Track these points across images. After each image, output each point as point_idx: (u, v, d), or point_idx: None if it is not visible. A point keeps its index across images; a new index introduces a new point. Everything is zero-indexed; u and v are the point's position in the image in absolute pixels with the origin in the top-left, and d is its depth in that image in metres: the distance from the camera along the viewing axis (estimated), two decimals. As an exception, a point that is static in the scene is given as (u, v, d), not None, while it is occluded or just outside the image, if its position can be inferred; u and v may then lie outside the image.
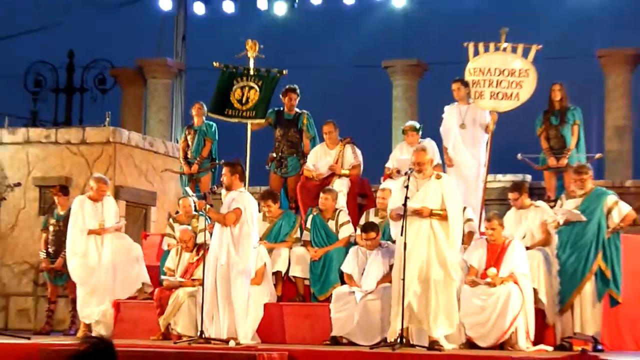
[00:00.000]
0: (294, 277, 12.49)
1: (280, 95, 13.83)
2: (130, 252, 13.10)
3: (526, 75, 12.99)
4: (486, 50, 13.14)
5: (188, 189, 13.67)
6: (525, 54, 13.04)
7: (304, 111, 13.92)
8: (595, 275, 11.05)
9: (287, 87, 13.85)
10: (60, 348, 10.63)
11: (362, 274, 11.67)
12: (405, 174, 10.83)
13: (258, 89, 13.43)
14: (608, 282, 11.06)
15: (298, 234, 12.64)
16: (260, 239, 12.27)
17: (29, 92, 19.38)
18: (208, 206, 11.15)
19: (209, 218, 11.24)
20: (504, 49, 13.08)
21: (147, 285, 13.01)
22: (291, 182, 13.78)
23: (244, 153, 13.24)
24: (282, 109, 13.89)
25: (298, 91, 13.87)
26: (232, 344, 10.78)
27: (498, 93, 13.01)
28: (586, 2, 20.51)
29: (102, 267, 12.86)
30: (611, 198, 11.25)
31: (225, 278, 10.98)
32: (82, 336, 4.19)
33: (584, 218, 11.08)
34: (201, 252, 11.76)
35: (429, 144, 12.71)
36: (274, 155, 13.89)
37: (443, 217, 10.49)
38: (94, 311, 12.85)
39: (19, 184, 14.69)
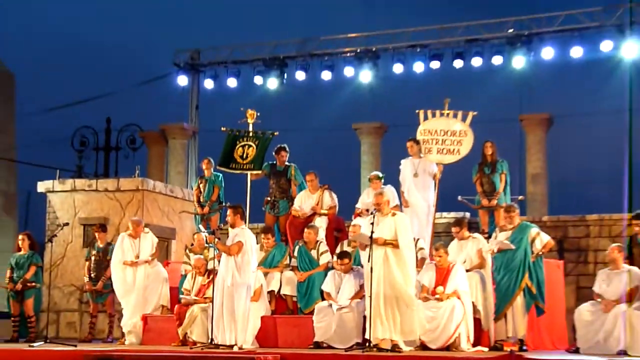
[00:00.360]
0: (284, 295, 12.45)
1: (274, 153, 13.85)
2: (159, 276, 13.08)
3: (465, 135, 13.03)
4: (433, 115, 13.17)
5: (201, 226, 13.66)
6: (463, 119, 13.09)
7: (292, 164, 13.93)
8: (523, 291, 11.06)
9: (279, 146, 13.88)
10: (101, 353, 10.57)
11: (338, 292, 11.65)
12: (371, 213, 10.84)
13: (255, 147, 13.47)
14: (534, 296, 11.07)
15: (288, 261, 12.63)
16: (258, 265, 12.27)
17: (75, 150, 19.33)
18: (216, 240, 11.15)
19: (217, 249, 11.23)
20: (447, 115, 13.11)
21: (165, 307, 12.97)
22: (282, 220, 13.74)
23: (244, 198, 13.25)
24: (275, 162, 13.90)
25: (287, 149, 13.90)
26: (235, 348, 10.74)
27: (443, 149, 13.03)
28: (509, 77, 20.62)
29: (135, 289, 12.86)
30: (534, 230, 11.29)
31: (230, 296, 10.94)
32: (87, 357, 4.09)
33: (513, 247, 11.10)
34: (211, 276, 11.73)
35: (389, 189, 12.68)
36: (269, 199, 13.89)
37: (395, 246, 10.42)
38: (127, 323, 12.82)
39: (67, 224, 14.65)
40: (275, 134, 13.62)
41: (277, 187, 13.83)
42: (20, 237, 13.95)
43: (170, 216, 16.77)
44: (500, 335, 11.12)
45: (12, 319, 13.70)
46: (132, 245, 13.06)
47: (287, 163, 13.90)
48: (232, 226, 11.27)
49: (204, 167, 14.47)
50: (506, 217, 11.41)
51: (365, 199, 13.15)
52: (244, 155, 13.47)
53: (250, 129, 13.52)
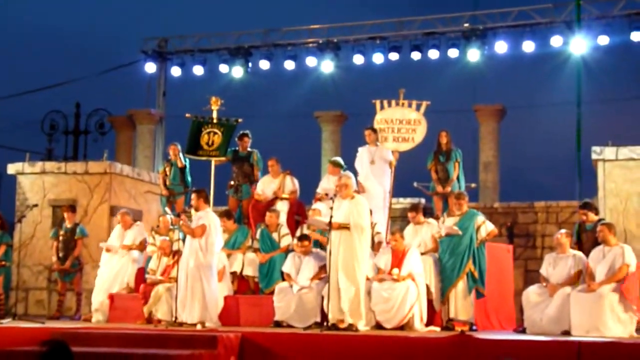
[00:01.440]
0: (246, 275, 12.45)
1: (236, 139, 13.81)
2: (130, 258, 13.03)
3: (419, 123, 13.07)
4: (389, 105, 13.22)
5: (167, 209, 13.61)
6: (417, 108, 13.14)
7: (254, 150, 13.90)
8: (467, 275, 11.17)
9: (242, 132, 13.84)
10: (68, 330, 10.51)
11: (298, 273, 11.68)
12: (331, 198, 10.85)
13: (220, 134, 13.41)
14: (476, 281, 11.20)
15: (250, 243, 12.60)
16: (222, 247, 12.26)
17: (45, 134, 19.12)
18: (181, 222, 11.13)
19: (183, 231, 11.19)
20: (402, 104, 13.15)
21: (129, 286, 12.96)
22: (245, 203, 13.71)
23: (208, 182, 13.22)
24: (237, 148, 13.87)
25: (250, 135, 13.88)
26: (199, 327, 10.74)
27: (399, 137, 13.06)
28: (464, 70, 20.77)
29: (106, 269, 12.96)
30: (480, 218, 11.39)
31: (194, 276, 10.93)
32: (43, 341, 4.08)
33: (460, 232, 11.20)
34: (176, 257, 11.70)
35: (349, 174, 12.72)
36: (232, 183, 13.86)
37: (348, 229, 10.40)
38: (94, 301, 12.80)
39: (36, 205, 14.51)
40: (240, 120, 13.58)
41: (240, 172, 13.79)
42: (-10, 217, 13.80)
43: (137, 199, 16.69)
44: (448, 316, 11.22)
45: (-18, 296, 13.58)
46: (119, 234, 13.23)
47: (249, 149, 13.85)
48: (197, 209, 11.25)
49: (170, 152, 14.39)
50: (455, 204, 11.50)
51: (325, 184, 13.15)
52: (210, 142, 13.40)
53: (215, 115, 13.48)
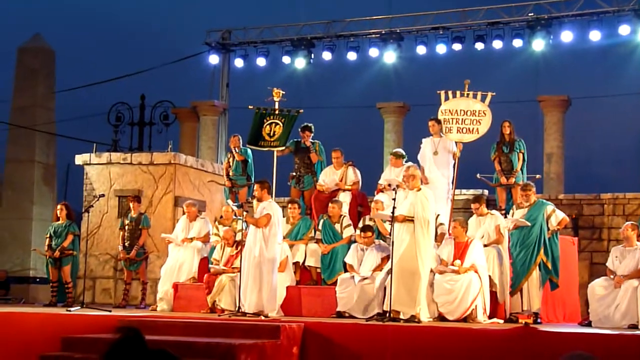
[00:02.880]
0: (309, 266, 12.48)
1: (299, 130, 13.83)
2: (195, 248, 13.17)
3: (484, 115, 12.97)
4: (454, 96, 13.12)
5: (229, 200, 13.71)
6: (483, 99, 13.03)
7: (316, 141, 13.90)
8: (539, 266, 11.04)
9: (304, 125, 13.80)
10: (134, 318, 10.68)
11: (360, 264, 11.68)
12: (394, 189, 10.81)
13: (282, 125, 13.44)
14: (549, 271, 11.07)
15: (312, 234, 12.64)
16: (284, 237, 12.30)
17: (111, 125, 19.36)
18: (245, 212, 11.18)
19: (246, 221, 11.25)
20: (467, 95, 13.05)
21: (193, 277, 13.09)
22: (307, 194, 13.75)
23: (271, 173, 13.28)
24: (300, 140, 13.90)
25: (312, 128, 13.87)
26: (262, 317, 10.81)
27: (463, 128, 12.98)
28: (529, 60, 20.49)
29: (172, 258, 13.19)
30: (550, 207, 11.26)
31: (257, 266, 10.99)
32: (117, 327, 4.08)
33: (528, 224, 11.08)
34: (239, 247, 11.77)
35: (414, 165, 12.65)
36: (294, 174, 13.88)
37: (412, 221, 10.36)
38: (160, 290, 12.97)
39: (103, 195, 14.73)
40: (301, 111, 13.59)
41: (302, 163, 13.83)
42: (58, 207, 14.08)
43: (200, 189, 16.84)
44: (515, 308, 11.13)
45: (51, 284, 13.86)
46: (185, 226, 13.38)
47: (311, 140, 13.88)
48: (259, 200, 11.31)
49: (231, 143, 14.49)
50: (522, 195, 11.39)
51: (388, 175, 13.08)
52: (271, 133, 13.44)
53: (277, 107, 13.52)
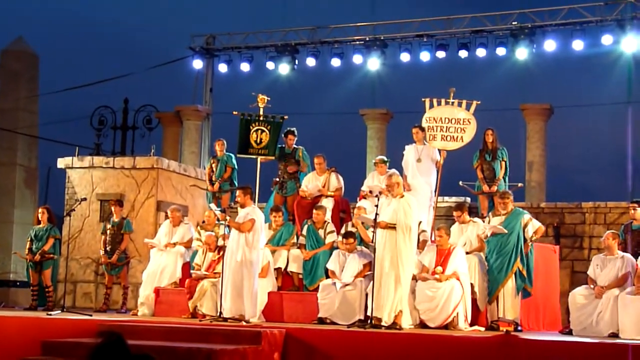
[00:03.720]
0: (291, 272, 12.46)
1: (282, 136, 13.83)
2: (177, 251, 13.14)
3: (468, 123, 13.00)
4: (439, 104, 13.15)
5: (212, 205, 13.67)
6: (467, 107, 13.06)
7: (300, 147, 13.87)
8: (515, 274, 11.07)
9: (287, 130, 13.78)
10: (115, 322, 10.63)
11: (342, 270, 11.67)
12: (376, 196, 10.82)
13: (268, 132, 13.43)
14: (524, 279, 11.10)
15: (295, 240, 12.63)
16: (266, 243, 12.29)
17: (94, 129, 19.29)
18: (228, 217, 11.16)
19: (229, 226, 11.19)
20: (452, 103, 13.09)
21: (175, 282, 13.06)
22: (290, 200, 13.70)
23: (254, 179, 13.27)
24: (283, 146, 13.88)
25: (296, 132, 13.85)
26: (243, 322, 10.78)
27: (447, 136, 13.01)
28: (512, 68, 20.58)
29: (154, 263, 13.14)
30: (526, 216, 11.31)
31: (239, 271, 10.95)
32: (98, 332, 4.05)
33: (506, 231, 11.12)
34: (221, 252, 11.74)
35: (397, 172, 12.66)
36: (277, 180, 13.86)
37: (394, 229, 10.37)
38: (141, 295, 12.92)
39: (84, 199, 14.69)
40: (285, 117, 13.59)
41: (284, 168, 13.78)
42: (39, 210, 14.03)
43: (183, 194, 16.80)
44: (495, 316, 11.15)
45: (31, 288, 13.78)
46: (168, 231, 13.35)
47: (295, 146, 13.85)
48: (242, 206, 11.28)
49: (217, 148, 14.45)
50: (500, 203, 11.43)
51: (370, 182, 13.11)
52: (258, 140, 13.44)
53: (261, 113, 13.50)
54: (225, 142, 14.37)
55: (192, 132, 21.50)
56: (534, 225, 11.19)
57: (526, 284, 11.11)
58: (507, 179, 13.42)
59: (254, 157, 13.46)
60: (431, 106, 13.14)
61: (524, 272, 11.08)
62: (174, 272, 13.04)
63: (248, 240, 10.97)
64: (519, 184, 13.95)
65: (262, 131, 13.41)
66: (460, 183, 13.55)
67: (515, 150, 16.81)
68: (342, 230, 12.31)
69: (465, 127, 12.96)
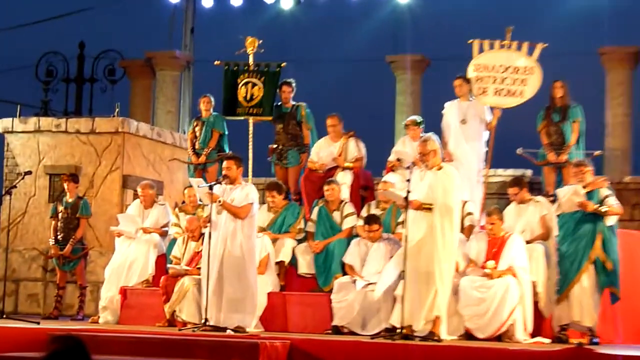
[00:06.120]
0: (302, 274, 12.46)
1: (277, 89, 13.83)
2: (149, 240, 13.20)
3: (531, 72, 12.97)
4: (491, 47, 13.13)
5: (195, 180, 13.62)
6: (530, 52, 13.02)
7: (301, 103, 13.85)
8: (594, 265, 11.03)
9: (282, 81, 13.78)
10: (69, 332, 10.67)
11: (364, 265, 11.71)
12: (407, 168, 10.82)
13: (262, 85, 13.43)
14: (609, 276, 11.00)
15: (302, 225, 12.67)
16: (264, 229, 12.31)
17: (40, 81, 19.34)
18: (222, 199, 11.14)
19: (224, 208, 11.13)
20: (509, 46, 13.06)
21: (147, 280, 13.15)
22: (292, 173, 13.76)
23: (245, 146, 13.28)
24: (279, 103, 13.88)
25: (293, 84, 13.83)
26: (235, 331, 10.82)
27: (502, 90, 13.00)
28: (589, 1, 20.48)
29: (119, 256, 13.19)
30: (603, 191, 11.26)
31: (231, 267, 11.00)
32: (53, 336, 4.12)
33: (592, 205, 10.98)
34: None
35: (434, 137, 12.63)
36: (274, 146, 13.85)
37: (431, 210, 10.36)
38: (103, 297, 12.99)
39: (29, 172, 14.68)
40: (283, 65, 13.57)
41: (285, 132, 13.81)
42: (-30, 187, 14.08)
43: (157, 166, 16.83)
44: (562, 321, 11.14)
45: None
46: (140, 214, 13.40)
47: (294, 102, 13.86)
48: (232, 181, 11.27)
49: (202, 106, 14.43)
50: (576, 173, 11.40)
51: (400, 148, 13.14)
52: (248, 96, 13.44)
53: (251, 61, 13.49)
54: (212, 100, 14.34)
55: (168, 86, 21.50)
56: (608, 203, 11.13)
57: (612, 281, 11.04)
58: (581, 145, 13.36)
59: (242, 118, 13.45)
60: (481, 50, 13.12)
61: (609, 265, 11.02)
62: (145, 267, 13.09)
63: (245, 227, 11.02)
64: (597, 152, 13.83)
65: (254, 85, 13.42)
66: (519, 151, 13.51)
67: (593, 109, 16.74)
68: (364, 213, 12.33)
69: (527, 77, 12.94)
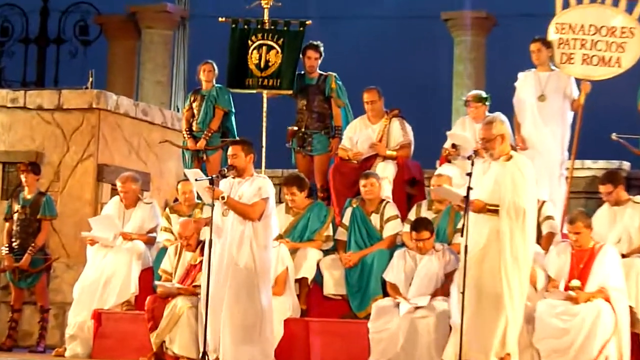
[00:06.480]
0: (329, 295, 12.52)
1: (300, 54, 13.84)
2: (130, 251, 13.21)
3: (630, 35, 12.94)
4: (579, 2, 13.10)
5: (192, 171, 13.51)
6: (629, 8, 12.97)
7: (331, 73, 13.92)
8: None
9: (307, 44, 13.84)
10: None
11: (411, 284, 11.70)
12: (468, 157, 10.75)
13: (279, 49, 13.43)
14: None
15: (330, 231, 12.66)
16: (281, 237, 12.30)
17: (-9, 42, 19.45)
18: (226, 195, 11.10)
19: (229, 207, 11.12)
20: (602, 2, 13.02)
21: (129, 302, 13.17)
22: (318, 163, 13.85)
23: (258, 128, 13.26)
24: (303, 72, 13.93)
25: (321, 48, 13.88)
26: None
27: (592, 57, 13.01)
28: None
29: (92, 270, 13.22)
30: None
31: (239, 285, 10.98)
32: None
33: None
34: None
35: (502, 119, 12.53)
36: (296, 129, 13.89)
37: (498, 213, 10.38)
38: (71, 323, 12.99)
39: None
40: (308, 23, 13.60)
41: (309, 110, 13.87)
42: None
43: (142, 153, 16.79)
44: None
45: None
46: (120, 215, 13.48)
47: (321, 72, 13.90)
48: (241, 174, 11.23)
49: (202, 76, 14.44)
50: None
51: (459, 132, 13.15)
52: (262, 64, 13.47)
53: (266, 17, 13.49)
54: (216, 68, 14.38)
55: (158, 50, 21.55)
56: None
57: None
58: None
59: (254, 91, 13.44)
60: (566, 5, 13.14)
61: None
62: (125, 284, 13.09)
63: (258, 232, 10.99)
64: None
65: (269, 48, 13.46)
66: (614, 136, 13.43)
67: None
68: (411, 216, 12.33)
69: (625, 41, 12.95)
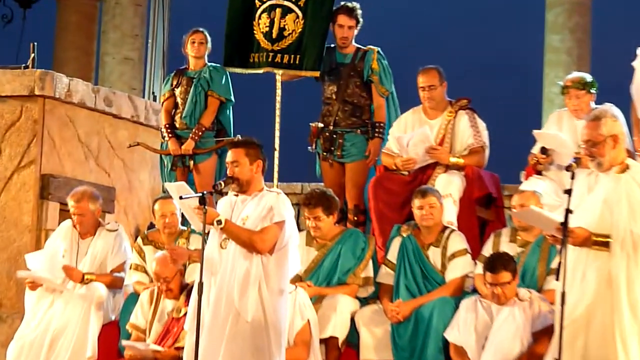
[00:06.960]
0: (360, 347, 12.52)
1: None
2: (87, 297, 13.23)
3: None
4: None
5: (174, 185, 13.48)
6: None
7: (372, 47, 14.03)
8: None
9: (340, 5, 13.95)
10: None
11: (484, 346, 11.67)
12: (567, 168, 10.71)
13: (300, 13, 13.46)
14: None
15: (370, 272, 12.66)
16: (301, 279, 12.32)
17: None
18: (222, 218, 11.04)
19: (226, 235, 11.11)
20: None
21: None
22: (353, 174, 13.93)
23: (268, 124, 13.29)
24: (332, 45, 13.99)
25: (358, 12, 13.93)
26: None
27: None
28: None
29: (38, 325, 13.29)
30: None
31: (245, 346, 10.92)
32: None
33: None
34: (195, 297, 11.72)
35: (612, 110, 12.52)
36: (321, 126, 13.92)
37: (609, 246, 10.40)
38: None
39: None
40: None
41: (341, 100, 13.95)
42: None
43: (104, 160, 16.82)
44: None
45: None
46: (71, 246, 13.61)
47: (358, 46, 14.02)
48: (245, 188, 11.17)
49: (189, 50, 14.55)
50: None
51: (552, 131, 13.18)
52: (274, 33, 13.53)
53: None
54: (208, 38, 14.49)
55: (127, 13, 21.63)
56: None
57: None
58: None
59: (261, 71, 13.58)
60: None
61: None
62: (80, 343, 13.18)
63: (268, 270, 10.93)
64: None
65: (287, 10, 13.62)
66: None
67: None
68: (486, 251, 12.34)
69: None
